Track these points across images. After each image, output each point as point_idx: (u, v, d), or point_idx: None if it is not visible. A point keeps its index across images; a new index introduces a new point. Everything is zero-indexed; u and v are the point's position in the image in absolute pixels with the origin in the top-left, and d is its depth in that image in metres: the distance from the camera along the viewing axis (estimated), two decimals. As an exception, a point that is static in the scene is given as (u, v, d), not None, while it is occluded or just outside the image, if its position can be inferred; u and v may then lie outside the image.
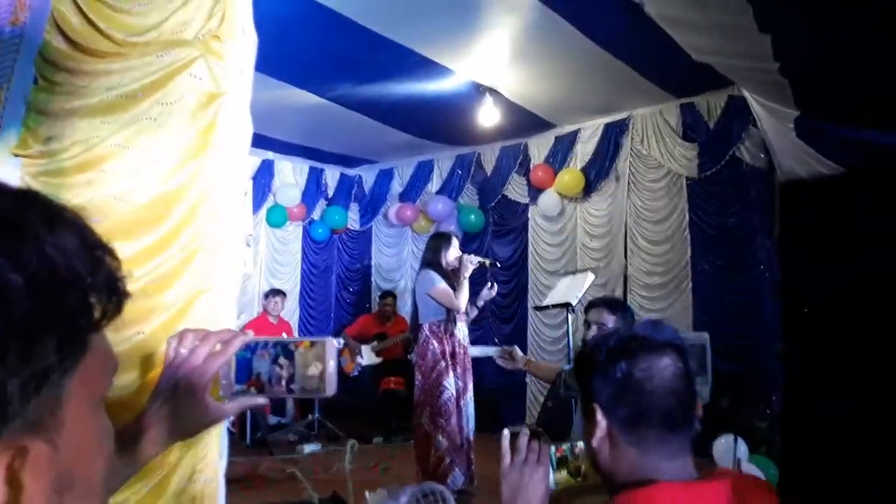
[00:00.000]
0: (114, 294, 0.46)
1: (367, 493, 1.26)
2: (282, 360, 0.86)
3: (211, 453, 1.34)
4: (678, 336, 1.17)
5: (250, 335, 0.89)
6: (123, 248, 1.54)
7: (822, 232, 4.95)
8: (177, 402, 0.82)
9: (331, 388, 0.86)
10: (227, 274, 1.41)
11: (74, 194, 1.57)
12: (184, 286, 1.39)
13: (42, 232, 0.41)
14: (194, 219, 1.40)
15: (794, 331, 5.02)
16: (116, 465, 0.82)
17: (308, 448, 5.25)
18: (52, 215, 0.44)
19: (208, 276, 1.39)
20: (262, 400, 0.88)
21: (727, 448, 4.02)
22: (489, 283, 4.23)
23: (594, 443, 1.12)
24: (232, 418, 5.61)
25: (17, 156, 1.69)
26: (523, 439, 1.26)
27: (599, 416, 1.11)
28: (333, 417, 5.97)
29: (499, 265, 4.37)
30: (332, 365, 0.86)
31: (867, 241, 4.76)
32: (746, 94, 5.03)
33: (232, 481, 4.21)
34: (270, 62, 4.91)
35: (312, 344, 0.87)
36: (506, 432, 1.28)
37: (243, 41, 1.45)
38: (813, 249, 4.99)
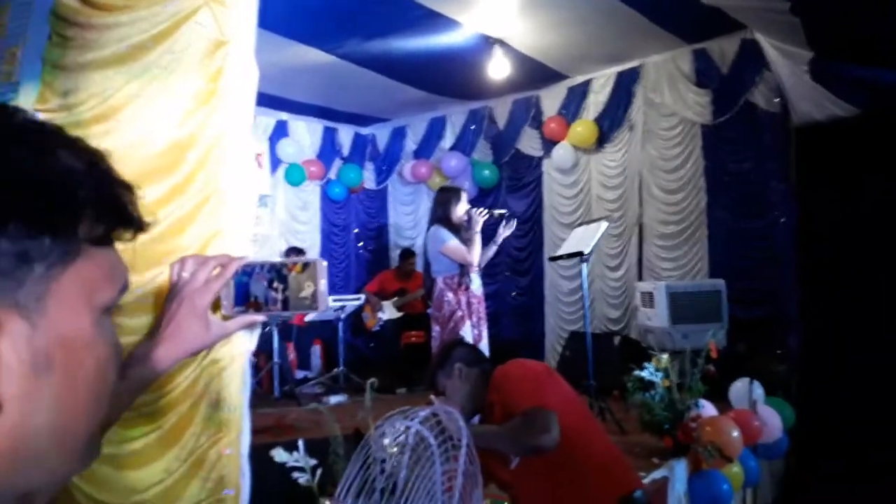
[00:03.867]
0: (117, 215, 0.52)
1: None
2: (276, 284, 0.94)
3: (235, 382, 1.42)
4: None
5: (247, 258, 0.96)
6: (144, 194, 1.62)
7: (838, 175, 4.91)
8: (181, 321, 0.90)
9: (322, 305, 0.93)
10: (239, 216, 1.47)
11: (95, 144, 1.64)
12: (199, 229, 1.45)
13: (37, 146, 0.48)
14: (207, 164, 1.46)
15: (811, 275, 5.03)
16: (133, 378, 0.89)
17: (334, 399, 5.40)
18: (62, 140, 0.51)
19: (221, 218, 1.46)
20: (260, 317, 0.96)
21: (743, 391, 4.08)
22: (504, 221, 4.26)
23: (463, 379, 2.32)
24: (257, 366, 5.78)
25: (38, 111, 1.76)
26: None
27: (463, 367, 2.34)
28: (358, 370, 6.11)
29: (506, 214, 4.40)
30: (322, 284, 0.93)
31: (885, 183, 4.71)
32: (759, 37, 4.96)
33: (263, 430, 4.40)
34: (279, 20, 4.93)
35: (304, 266, 0.93)
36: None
37: (246, -13, 1.48)
38: (829, 193, 4.96)
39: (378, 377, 6.26)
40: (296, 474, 1.62)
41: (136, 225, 0.54)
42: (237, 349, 1.38)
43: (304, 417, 4.71)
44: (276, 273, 0.94)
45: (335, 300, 5.65)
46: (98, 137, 1.62)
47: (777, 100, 5.19)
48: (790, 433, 4.16)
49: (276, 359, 5.44)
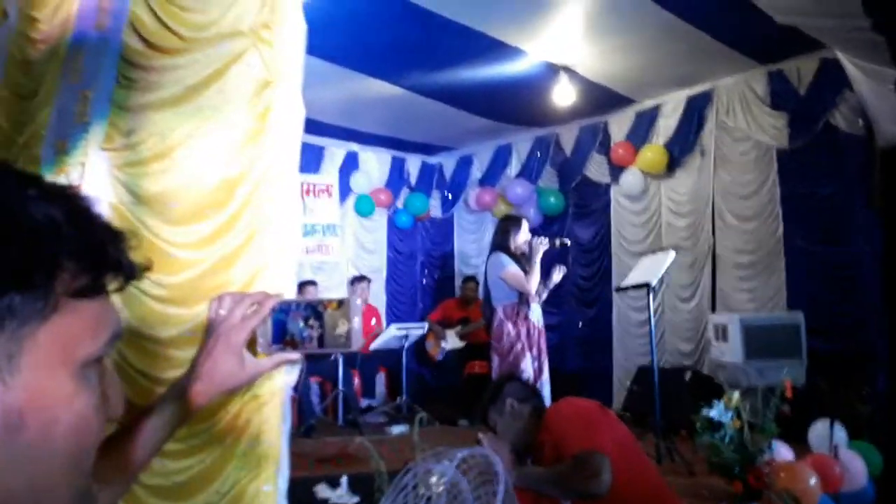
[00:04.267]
0: (102, 264, 0.50)
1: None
2: (312, 322, 0.94)
3: (273, 418, 1.43)
4: None
5: (283, 296, 0.96)
6: (196, 230, 1.67)
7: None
8: (217, 358, 0.89)
9: (356, 343, 0.93)
10: (284, 250, 1.50)
11: (152, 182, 1.71)
12: (247, 263, 1.49)
13: (6, 197, 0.46)
14: (254, 200, 1.50)
15: (901, 307, 4.69)
16: (170, 413, 0.90)
17: (396, 429, 5.40)
18: (40, 188, 0.49)
19: (268, 253, 1.49)
20: (295, 356, 0.96)
21: (823, 433, 3.82)
22: (557, 267, 4.20)
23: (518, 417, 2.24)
24: (323, 394, 5.84)
25: (104, 149, 1.85)
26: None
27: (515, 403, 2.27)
28: (421, 399, 6.10)
29: (568, 244, 4.32)
30: (356, 321, 0.93)
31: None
32: (840, 55, 4.72)
33: (325, 459, 4.44)
34: (350, 55, 5.09)
35: (339, 304, 0.94)
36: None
37: (293, 29, 1.52)
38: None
39: (441, 407, 6.25)
40: (339, 510, 1.61)
41: (127, 272, 0.53)
42: (277, 385, 1.39)
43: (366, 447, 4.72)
44: (312, 311, 0.94)
45: (399, 328, 5.68)
46: (157, 175, 1.69)
47: (860, 121, 4.92)
48: (877, 481, 3.85)
49: (340, 386, 5.49)
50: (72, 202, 0.50)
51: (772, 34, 4.62)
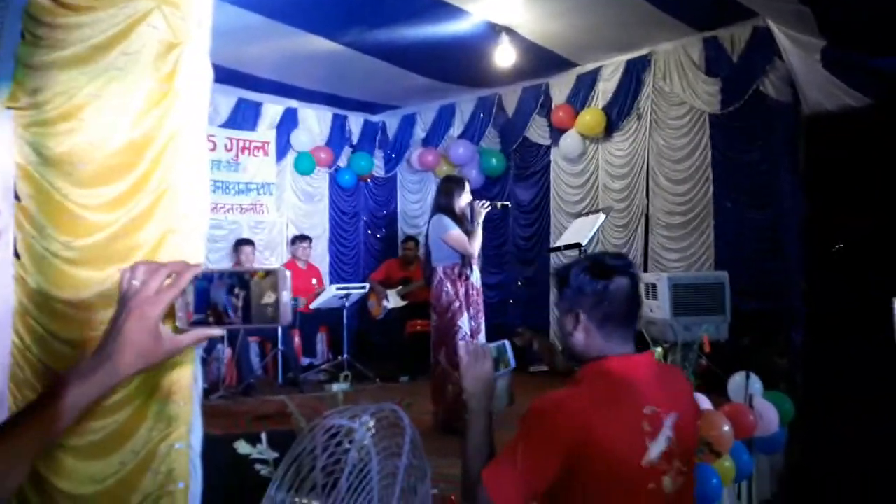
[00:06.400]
0: None
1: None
2: (237, 290, 0.88)
3: (184, 379, 1.45)
4: (632, 263, 1.65)
5: (203, 266, 0.91)
6: (105, 192, 1.65)
7: (849, 166, 4.83)
8: (130, 334, 0.83)
9: (285, 318, 0.88)
10: (193, 213, 1.50)
11: (58, 142, 1.68)
12: (155, 226, 1.49)
13: None
14: (162, 162, 1.49)
15: (818, 268, 4.96)
16: (72, 397, 0.80)
17: (336, 387, 5.46)
18: None
19: (176, 216, 1.49)
20: (217, 331, 0.90)
21: (740, 385, 4.04)
22: (482, 202, 4.20)
23: (576, 334, 1.59)
24: (261, 360, 5.85)
25: (9, 108, 1.80)
26: (466, 345, 1.74)
27: (582, 317, 1.58)
28: (363, 358, 6.18)
29: (509, 206, 4.37)
30: (285, 295, 0.87)
31: (894, 174, 4.62)
32: (771, 25, 4.85)
33: (264, 417, 4.47)
34: (286, 10, 4.96)
35: (267, 274, 0.88)
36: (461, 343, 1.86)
37: (200, -10, 1.50)
38: (839, 184, 4.88)
39: (383, 365, 6.33)
40: (258, 466, 1.66)
41: None
42: (187, 346, 1.41)
43: (306, 404, 4.77)
44: (238, 280, 0.88)
45: (339, 289, 5.70)
46: (63, 135, 1.66)
47: (788, 89, 5.09)
48: (789, 427, 4.11)
49: (280, 346, 5.51)
50: None
51: (708, 2, 4.71)
